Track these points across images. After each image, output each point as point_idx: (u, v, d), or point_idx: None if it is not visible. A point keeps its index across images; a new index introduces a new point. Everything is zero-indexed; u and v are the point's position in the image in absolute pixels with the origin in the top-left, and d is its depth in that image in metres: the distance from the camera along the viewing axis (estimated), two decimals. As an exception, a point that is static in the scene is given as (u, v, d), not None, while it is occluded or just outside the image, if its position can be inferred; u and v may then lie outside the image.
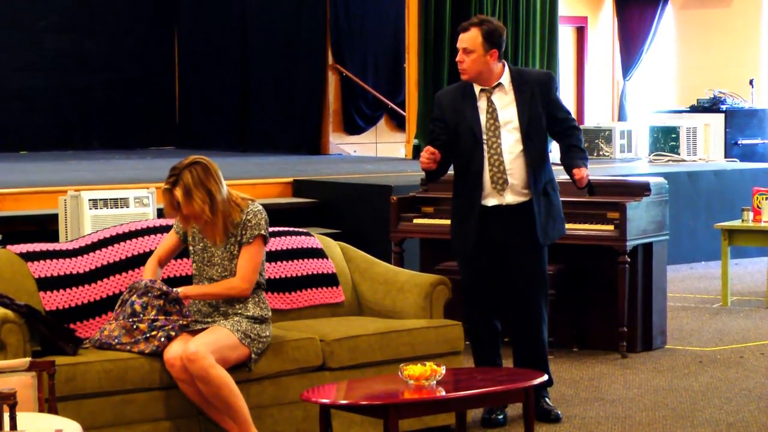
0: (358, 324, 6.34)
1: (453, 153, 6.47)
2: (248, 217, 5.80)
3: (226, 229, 5.80)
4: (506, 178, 6.39)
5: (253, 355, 5.74)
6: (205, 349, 5.54)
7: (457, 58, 6.42)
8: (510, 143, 6.40)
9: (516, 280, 6.55)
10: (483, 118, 6.41)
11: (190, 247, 5.89)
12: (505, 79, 6.45)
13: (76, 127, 17.57)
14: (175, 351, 5.57)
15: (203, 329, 5.71)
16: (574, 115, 7.05)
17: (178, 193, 5.69)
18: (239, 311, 5.78)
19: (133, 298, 5.72)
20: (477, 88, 6.45)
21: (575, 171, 6.41)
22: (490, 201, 6.43)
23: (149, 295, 5.70)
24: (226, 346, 5.63)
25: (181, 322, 5.68)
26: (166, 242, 5.96)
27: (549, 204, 6.50)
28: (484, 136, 6.39)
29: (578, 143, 6.53)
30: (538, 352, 6.59)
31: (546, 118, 6.47)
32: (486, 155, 6.39)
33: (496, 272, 6.54)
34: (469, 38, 6.38)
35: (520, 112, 6.40)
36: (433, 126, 6.57)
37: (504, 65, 6.47)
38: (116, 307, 5.79)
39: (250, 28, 17.43)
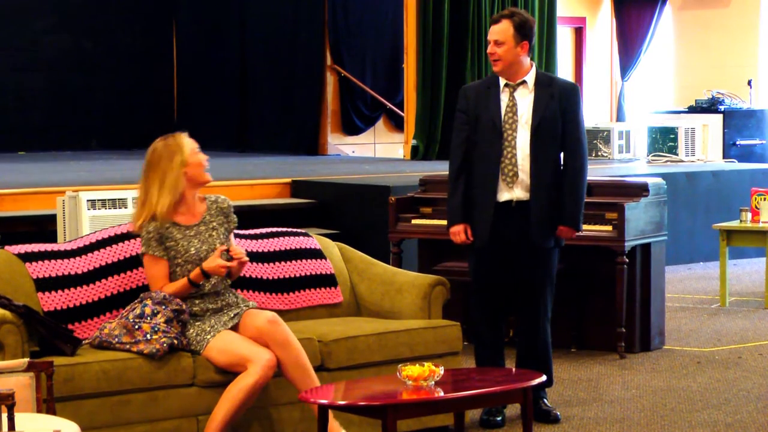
0: (356, 324, 6.34)
1: (472, 143, 6.50)
2: (228, 203, 5.97)
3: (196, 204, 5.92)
4: (517, 171, 6.41)
5: None
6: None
7: (489, 50, 6.47)
8: (525, 139, 6.43)
9: (524, 281, 6.56)
10: (503, 110, 6.44)
11: (179, 260, 5.81)
12: (530, 77, 6.48)
13: (74, 127, 17.56)
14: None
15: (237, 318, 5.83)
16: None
17: None
18: (244, 302, 5.95)
19: (147, 301, 5.71)
20: (502, 83, 6.49)
21: (561, 228, 6.51)
22: (503, 195, 6.45)
23: (164, 306, 5.68)
24: None
25: (182, 339, 5.68)
26: (160, 272, 5.80)
27: (551, 209, 6.49)
28: (503, 128, 6.42)
29: (576, 193, 6.49)
30: (542, 353, 6.61)
31: (561, 126, 6.47)
32: (502, 147, 6.42)
33: (506, 272, 6.55)
34: (501, 30, 6.41)
35: (534, 110, 6.43)
36: (458, 117, 6.57)
37: (532, 64, 6.52)
38: (124, 310, 5.79)
39: (248, 28, 17.43)
